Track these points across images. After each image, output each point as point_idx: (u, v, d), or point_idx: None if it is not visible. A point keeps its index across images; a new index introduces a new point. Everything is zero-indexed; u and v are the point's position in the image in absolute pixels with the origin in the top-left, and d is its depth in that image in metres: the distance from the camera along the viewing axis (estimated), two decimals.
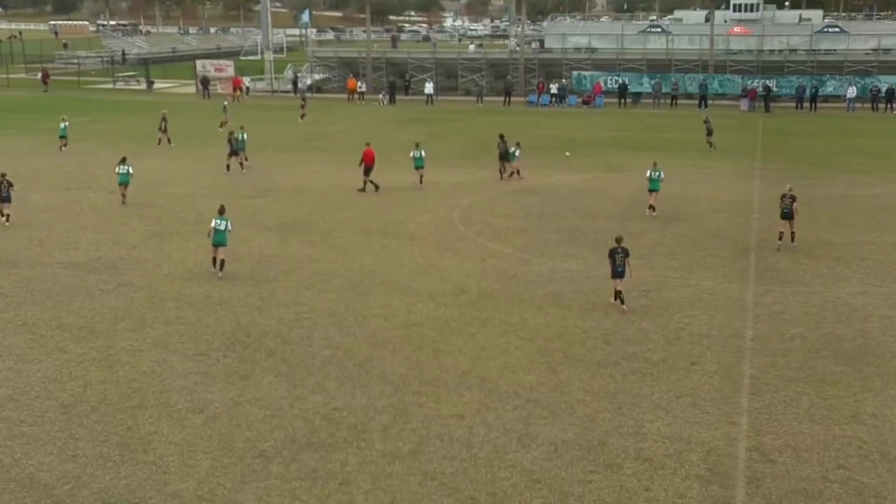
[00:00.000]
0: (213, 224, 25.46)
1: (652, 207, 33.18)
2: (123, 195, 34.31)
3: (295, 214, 33.03)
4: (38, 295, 23.82)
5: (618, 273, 22.88)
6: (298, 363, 19.49)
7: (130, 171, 34.56)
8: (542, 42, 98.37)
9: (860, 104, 67.40)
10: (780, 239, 28.82)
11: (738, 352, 20.24)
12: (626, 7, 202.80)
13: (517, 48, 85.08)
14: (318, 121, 60.37)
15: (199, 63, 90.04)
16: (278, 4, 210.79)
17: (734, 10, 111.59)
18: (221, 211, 25.86)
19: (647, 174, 33.30)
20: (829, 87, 70.39)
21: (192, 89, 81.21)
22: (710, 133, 47.82)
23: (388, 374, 18.95)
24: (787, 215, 28.41)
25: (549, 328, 21.62)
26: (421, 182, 38.39)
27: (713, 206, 33.76)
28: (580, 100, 72.61)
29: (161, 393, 17.99)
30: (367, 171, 36.69)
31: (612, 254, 23.05)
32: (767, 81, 69.72)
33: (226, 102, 64.14)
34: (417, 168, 38.53)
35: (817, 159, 44.48)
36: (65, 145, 47.32)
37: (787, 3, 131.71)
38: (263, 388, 18.25)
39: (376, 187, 36.81)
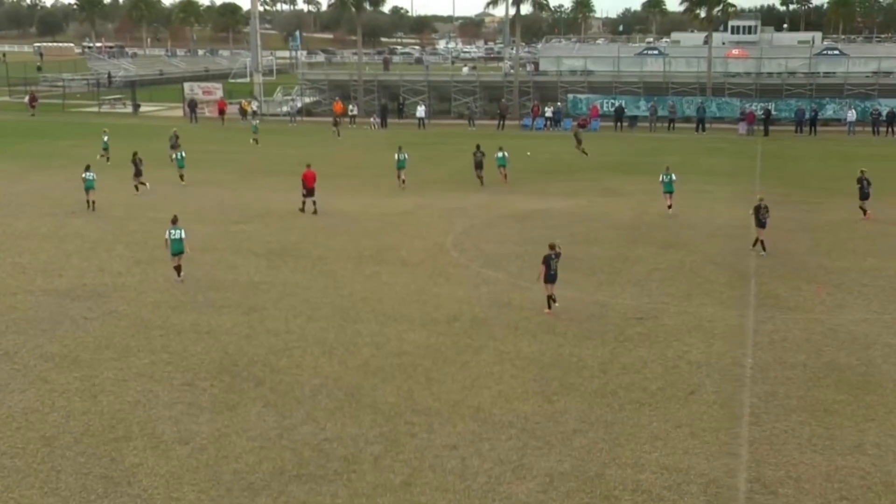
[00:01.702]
0: (167, 235, 26.84)
1: (669, 207, 36.88)
2: (90, 202, 36.90)
3: (285, 240, 32.79)
4: (20, 323, 23.62)
5: (552, 277, 24.00)
6: (287, 393, 19.25)
7: (95, 176, 37.35)
8: (536, 64, 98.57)
9: (860, 128, 67.37)
10: (754, 245, 30.83)
11: (738, 380, 19.99)
12: (622, 29, 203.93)
13: (511, 71, 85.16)
14: (304, 144, 60.18)
15: (186, 86, 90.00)
16: (268, 26, 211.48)
17: (732, 33, 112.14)
18: (174, 221, 27.24)
19: (661, 178, 37.35)
20: (829, 111, 70.50)
21: (179, 112, 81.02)
22: (579, 142, 49.55)
23: (379, 403, 18.72)
24: (763, 224, 30.47)
25: (545, 356, 21.36)
26: (403, 182, 42.84)
27: (711, 231, 33.61)
28: (575, 123, 72.53)
29: (146, 424, 17.76)
30: (310, 193, 37.29)
31: (548, 260, 24.02)
32: (767, 104, 69.72)
33: (256, 122, 65.99)
34: (399, 168, 43.02)
35: (817, 183, 44.41)
36: (107, 158, 48.42)
37: (785, 26, 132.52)
38: (251, 418, 18.02)
39: (314, 210, 37.14)
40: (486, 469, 15.98)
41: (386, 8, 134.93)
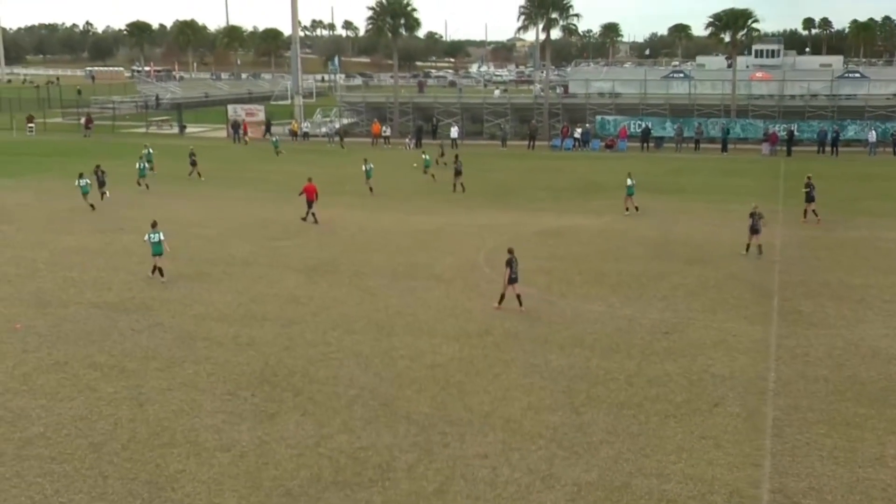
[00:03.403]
0: (146, 238, 29.36)
1: (636, 208, 41.76)
2: (91, 204, 41.42)
3: (323, 256, 33.34)
4: (70, 334, 24.16)
5: (514, 280, 25.87)
6: (325, 403, 19.67)
7: (89, 182, 42.31)
8: (566, 87, 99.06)
9: (881, 148, 67.33)
10: (747, 250, 33.13)
11: (761, 394, 20.25)
12: (648, 53, 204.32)
13: (542, 93, 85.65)
14: (341, 163, 60.99)
15: (230, 108, 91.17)
16: (308, 51, 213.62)
17: (756, 56, 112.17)
18: (154, 225, 29.72)
19: (627, 182, 42.07)
20: (851, 132, 70.39)
21: (223, 133, 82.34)
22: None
23: (413, 413, 19.08)
24: (757, 230, 32.97)
25: (573, 369, 21.72)
26: (371, 190, 47.54)
27: (735, 248, 33.80)
28: (603, 144, 72.96)
29: (189, 431, 18.20)
30: (310, 204, 39.34)
31: (510, 262, 25.88)
32: (790, 126, 69.84)
33: (275, 139, 69.69)
34: (368, 178, 48.24)
35: (839, 203, 44.49)
36: (152, 168, 50.29)
37: (807, 49, 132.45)
38: (290, 427, 18.43)
39: (314, 220, 39.15)
40: (516, 478, 16.27)
41: (421, 33, 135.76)
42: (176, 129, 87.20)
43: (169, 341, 23.67)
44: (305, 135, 79.72)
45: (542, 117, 78.62)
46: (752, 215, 33.15)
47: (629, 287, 29.10)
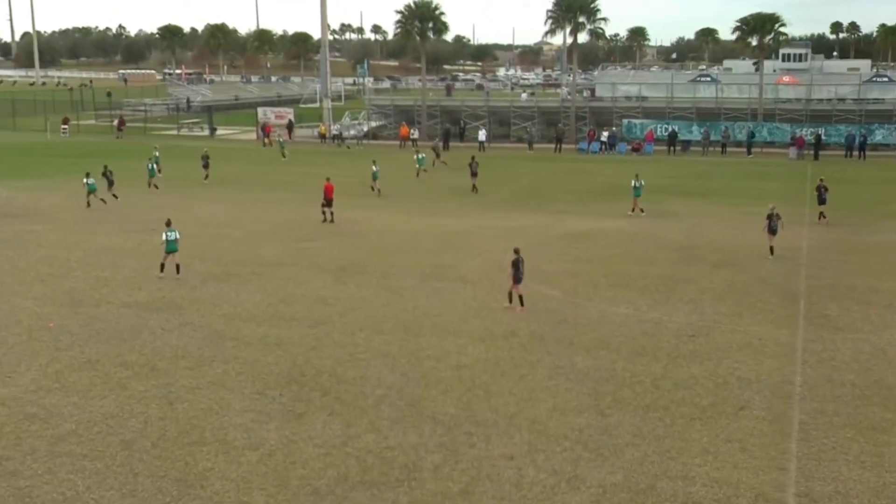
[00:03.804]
0: (164, 236, 29.87)
1: (640, 210, 42.18)
2: (98, 200, 43.26)
3: (351, 257, 33.51)
4: (102, 333, 24.41)
5: (520, 279, 26.26)
6: (352, 402, 19.79)
7: (95, 181, 43.62)
8: (592, 91, 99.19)
9: None
10: (772, 253, 33.12)
11: (788, 397, 20.22)
12: (675, 57, 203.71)
13: (569, 97, 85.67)
14: (368, 165, 61.14)
15: (260, 110, 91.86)
16: (337, 54, 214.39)
17: (783, 60, 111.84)
18: (168, 223, 30.15)
19: (632, 184, 42.35)
20: (878, 136, 70.02)
21: (253, 135, 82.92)
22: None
23: (439, 414, 19.17)
24: (774, 231, 33.18)
25: (599, 371, 21.75)
26: (378, 191, 48.61)
27: (762, 252, 33.69)
28: (630, 147, 72.90)
29: (218, 430, 18.35)
30: (329, 203, 40.08)
31: (517, 263, 26.32)
32: (817, 129, 69.51)
33: (282, 139, 70.80)
34: (374, 180, 49.06)
35: (867, 206, 44.27)
36: (159, 170, 50.81)
37: (835, 54, 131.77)
38: (318, 426, 18.55)
39: (331, 219, 40.00)
40: (542, 479, 16.31)
41: (449, 37, 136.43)
42: (206, 132, 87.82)
43: (198, 341, 23.87)
44: (335, 137, 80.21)
45: (569, 120, 78.63)
46: (769, 217, 33.39)
47: (655, 290, 29.09)
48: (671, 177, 57.54)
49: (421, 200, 48.06)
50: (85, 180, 44.13)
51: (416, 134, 77.23)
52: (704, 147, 71.30)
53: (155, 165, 51.75)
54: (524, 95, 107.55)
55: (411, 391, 20.48)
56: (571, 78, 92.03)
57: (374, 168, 49.96)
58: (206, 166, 54.95)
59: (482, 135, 74.59)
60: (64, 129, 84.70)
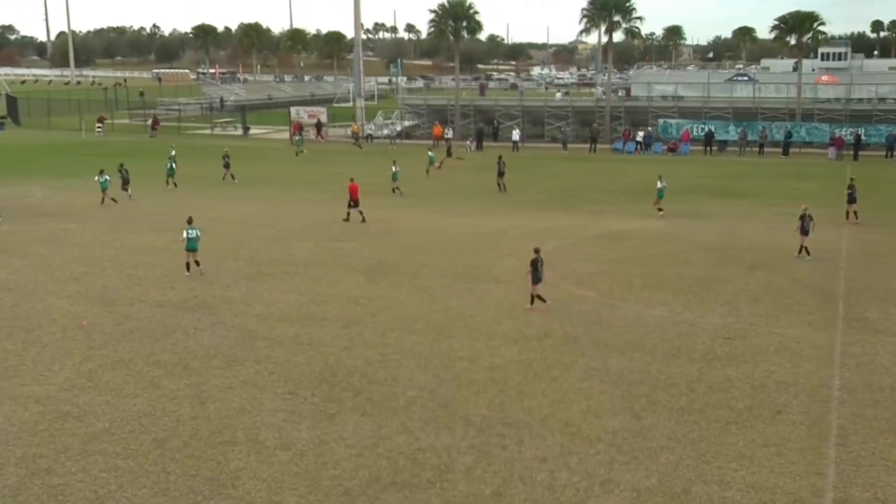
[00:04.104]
0: (184, 234, 30.15)
1: (658, 209, 42.04)
2: (109, 198, 44.09)
3: (383, 257, 33.50)
4: (135, 332, 24.52)
5: (539, 279, 26.14)
6: (384, 403, 19.74)
7: (108, 178, 44.57)
8: (628, 90, 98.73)
9: None
10: (800, 252, 33.03)
11: (825, 401, 19.95)
12: (712, 56, 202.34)
13: (603, 96, 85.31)
14: (404, 165, 61.22)
15: (293, 110, 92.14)
16: (370, 53, 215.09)
17: (822, 59, 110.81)
18: (190, 221, 30.47)
19: (658, 185, 42.33)
20: None
21: (286, 135, 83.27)
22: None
23: (471, 415, 19.08)
24: (807, 232, 32.96)
25: (633, 374, 21.57)
26: (399, 192, 48.60)
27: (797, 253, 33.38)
28: (665, 147, 72.47)
29: (250, 430, 18.36)
30: (354, 203, 40.10)
31: (536, 263, 26.19)
32: (857, 129, 68.71)
33: (298, 138, 71.46)
34: (394, 180, 48.94)
35: None
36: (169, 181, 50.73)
37: (875, 53, 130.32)
38: (349, 427, 18.52)
39: (362, 219, 39.82)
40: (575, 482, 16.18)
41: (483, 36, 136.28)
42: (240, 131, 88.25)
43: (230, 340, 23.92)
44: (368, 137, 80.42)
45: (604, 120, 78.30)
46: (802, 217, 33.20)
47: (691, 291, 28.83)
48: (707, 177, 57.21)
49: (451, 200, 48.01)
50: (98, 178, 44.84)
51: (449, 133, 77.20)
52: (741, 147, 70.77)
53: (174, 164, 51.90)
54: (558, 95, 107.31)
55: (443, 392, 20.40)
56: (606, 77, 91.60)
57: (393, 168, 49.97)
58: (226, 166, 54.86)
59: (516, 134, 74.48)
60: (99, 128, 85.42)
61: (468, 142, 75.20)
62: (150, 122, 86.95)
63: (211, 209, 43.35)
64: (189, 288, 29.00)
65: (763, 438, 18.05)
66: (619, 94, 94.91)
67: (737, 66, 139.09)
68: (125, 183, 46.99)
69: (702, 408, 19.56)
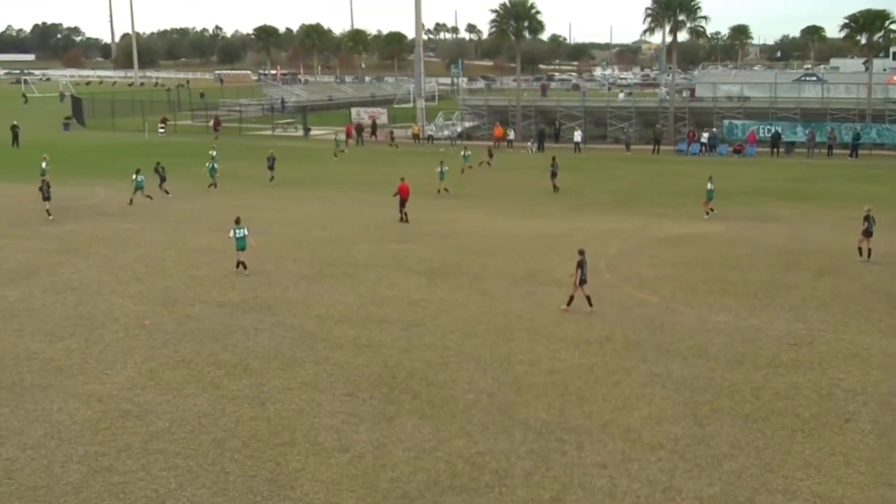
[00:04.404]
0: (231, 234, 30.80)
1: (712, 210, 42.00)
2: (132, 199, 44.78)
3: (443, 259, 33.43)
4: (196, 332, 24.71)
5: (583, 281, 26.11)
6: (443, 406, 19.65)
7: (144, 178, 45.42)
8: (692, 90, 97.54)
9: None
10: (861, 254, 32.68)
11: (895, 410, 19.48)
12: (780, 55, 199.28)
13: (667, 96, 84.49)
14: (453, 166, 61.26)
15: (353, 110, 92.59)
16: (431, 54, 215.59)
17: (893, 59, 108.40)
18: (238, 221, 30.96)
19: (707, 186, 42.15)
20: None
21: (342, 136, 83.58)
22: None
23: (531, 420, 18.92)
24: (870, 233, 32.46)
25: (696, 380, 21.22)
26: (445, 191, 48.95)
27: (869, 258, 32.64)
28: (731, 149, 71.53)
29: (309, 431, 18.38)
30: (403, 203, 40.43)
31: (581, 264, 26.11)
32: None
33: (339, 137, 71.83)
34: (441, 180, 49.20)
35: None
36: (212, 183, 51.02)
37: None
38: (408, 429, 18.45)
39: (405, 219, 40.46)
40: (635, 489, 15.97)
41: (545, 36, 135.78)
42: (301, 132, 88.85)
43: (290, 341, 23.98)
44: (429, 138, 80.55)
45: (668, 121, 77.54)
46: (866, 218, 32.62)
47: (756, 297, 28.32)
48: (773, 179, 56.37)
49: (510, 201, 47.80)
50: (134, 177, 45.51)
51: (511, 135, 77.05)
52: (809, 149, 69.58)
53: (215, 165, 52.08)
54: (621, 95, 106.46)
55: (503, 396, 20.24)
56: (670, 77, 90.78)
57: (440, 169, 50.03)
58: (271, 167, 54.67)
59: (578, 136, 74.09)
60: (161, 129, 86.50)
61: (529, 143, 74.93)
62: (212, 123, 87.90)
63: (270, 210, 43.72)
64: (249, 289, 29.17)
65: (830, 447, 17.64)
66: (684, 94, 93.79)
67: (805, 66, 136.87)
68: (162, 181, 47.92)
69: (767, 415, 19.17)
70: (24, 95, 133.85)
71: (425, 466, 16.84)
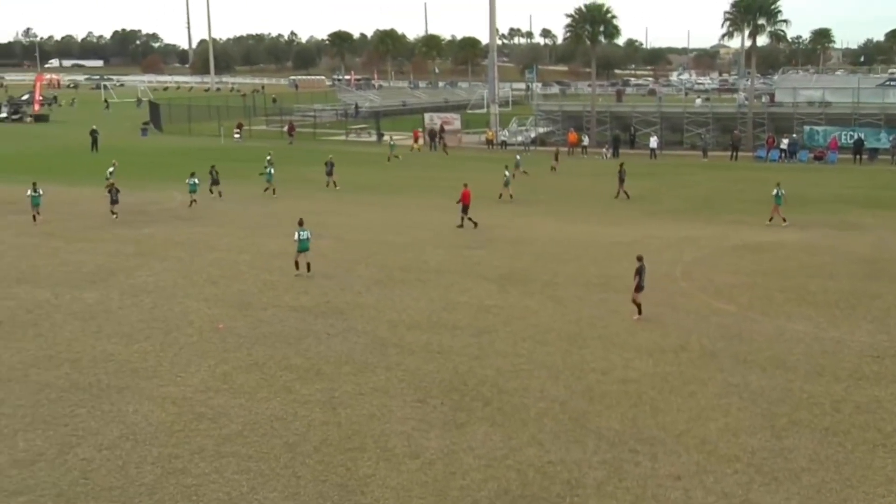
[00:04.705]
0: (296, 236, 31.10)
1: (783, 220, 40.97)
2: (192, 202, 45.89)
3: (515, 265, 33.26)
4: (269, 336, 24.88)
5: (642, 287, 26.17)
6: (514, 414, 19.50)
7: (197, 181, 46.04)
8: (772, 96, 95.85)
9: None
10: None
11: None
12: (863, 60, 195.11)
13: (746, 102, 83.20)
14: (540, 173, 60.99)
15: (426, 116, 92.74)
16: (505, 59, 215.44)
17: None
18: (301, 223, 31.42)
19: (774, 192, 41.32)
20: None
21: (419, 140, 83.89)
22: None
23: (603, 429, 18.71)
24: None
25: (774, 391, 20.77)
26: (510, 197, 48.77)
27: None
28: (812, 155, 70.13)
29: (380, 437, 18.37)
30: (465, 210, 40.35)
31: (640, 271, 26.18)
32: None
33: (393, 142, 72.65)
34: (506, 186, 49.15)
35: None
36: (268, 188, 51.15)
37: None
38: (479, 437, 18.34)
39: (461, 224, 40.16)
40: (710, 502, 15.69)
41: (620, 40, 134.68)
42: (374, 137, 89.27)
43: (362, 346, 24.03)
44: (502, 143, 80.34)
45: (746, 127, 76.30)
46: None
47: (837, 307, 27.65)
48: (856, 187, 55.15)
49: (587, 209, 47.37)
50: (188, 180, 46.48)
51: (585, 140, 76.53)
52: (893, 156, 67.89)
53: (272, 170, 52.21)
54: (698, 101, 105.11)
55: (575, 405, 20.04)
56: (749, 82, 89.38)
57: (506, 174, 49.93)
58: (329, 173, 54.62)
59: (653, 142, 73.33)
60: (237, 133, 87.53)
61: (604, 149, 74.36)
62: (286, 128, 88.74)
63: (340, 214, 43.96)
64: (321, 293, 29.32)
65: None
66: (763, 99, 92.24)
67: (889, 71, 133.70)
68: (214, 183, 49.09)
69: (847, 429, 18.70)
70: (105, 101, 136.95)
71: (496, 475, 16.73)
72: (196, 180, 46.53)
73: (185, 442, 18.15)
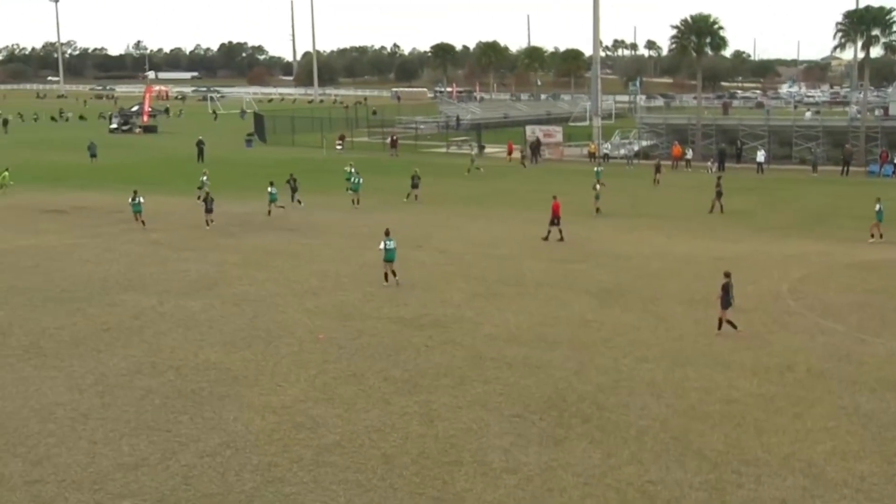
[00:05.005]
0: (382, 245, 31.60)
1: (880, 236, 40.21)
2: (270, 211, 46.90)
3: (615, 280, 32.90)
4: (367, 348, 25.02)
5: (729, 304, 25.61)
6: (614, 432, 19.25)
7: (277, 191, 47.66)
8: (886, 109, 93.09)
9: None
10: None
11: None
12: None
13: (858, 115, 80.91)
14: (642, 187, 60.29)
15: (528, 128, 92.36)
16: (608, 71, 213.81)
17: None
18: (387, 233, 31.81)
19: (876, 207, 40.28)
20: None
21: (518, 154, 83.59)
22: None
23: (705, 449, 18.33)
24: None
25: (885, 414, 20.09)
26: (599, 211, 48.19)
27: None
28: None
29: (477, 451, 18.28)
30: (554, 221, 40.36)
31: (728, 287, 25.57)
32: None
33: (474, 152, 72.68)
34: (597, 200, 48.57)
35: None
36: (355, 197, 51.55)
37: None
38: (577, 454, 18.14)
39: (560, 237, 39.97)
40: None
41: (727, 52, 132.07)
42: (475, 150, 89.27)
43: (460, 359, 23.98)
44: (605, 156, 79.54)
45: (859, 141, 74.09)
46: None
47: None
48: None
49: (692, 224, 46.49)
50: (269, 189, 47.83)
51: (690, 154, 75.29)
52: None
53: (360, 181, 52.27)
54: (808, 114, 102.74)
55: (676, 423, 19.67)
56: (862, 95, 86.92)
57: (596, 188, 49.83)
58: (414, 186, 54.19)
59: (761, 156, 71.73)
60: (339, 145, 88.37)
61: (709, 163, 73.02)
62: (389, 140, 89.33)
63: (441, 227, 44.07)
64: (421, 305, 29.40)
65: None
66: (876, 113, 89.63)
67: None
68: (294, 192, 50.36)
69: None
70: (213, 112, 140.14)
71: (594, 493, 16.52)
72: (275, 189, 47.78)
73: (284, 451, 18.32)
